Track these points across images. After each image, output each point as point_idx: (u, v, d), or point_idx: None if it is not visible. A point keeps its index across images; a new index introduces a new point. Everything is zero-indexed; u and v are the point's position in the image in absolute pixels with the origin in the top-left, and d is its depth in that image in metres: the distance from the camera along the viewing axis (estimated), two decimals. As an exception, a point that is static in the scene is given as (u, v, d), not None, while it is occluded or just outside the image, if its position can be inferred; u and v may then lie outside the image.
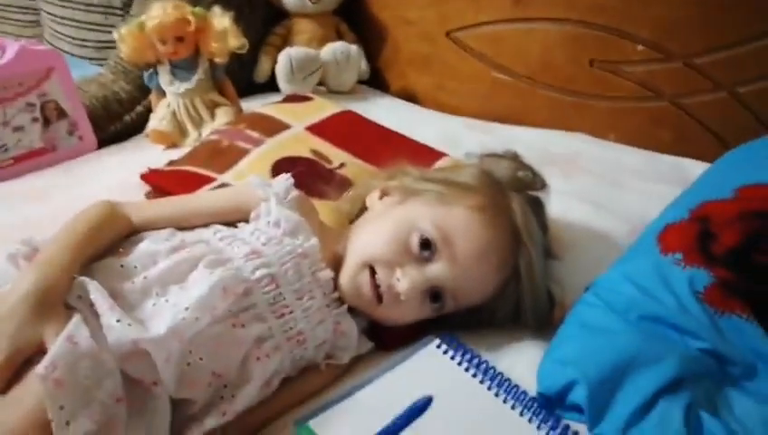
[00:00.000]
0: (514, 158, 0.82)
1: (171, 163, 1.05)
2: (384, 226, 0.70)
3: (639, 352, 0.62)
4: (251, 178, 0.75)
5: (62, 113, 1.10)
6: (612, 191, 1.06)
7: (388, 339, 0.73)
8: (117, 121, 1.24)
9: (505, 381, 0.65)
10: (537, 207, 0.79)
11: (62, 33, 1.50)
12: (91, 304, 0.58)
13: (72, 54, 1.45)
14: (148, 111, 1.24)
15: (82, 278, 0.59)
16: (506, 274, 0.71)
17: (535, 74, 1.30)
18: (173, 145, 1.16)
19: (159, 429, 0.55)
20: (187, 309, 0.57)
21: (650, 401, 0.59)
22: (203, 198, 0.74)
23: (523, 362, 0.69)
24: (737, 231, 0.70)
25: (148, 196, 0.99)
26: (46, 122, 1.08)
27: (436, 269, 0.68)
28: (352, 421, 0.61)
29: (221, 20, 1.15)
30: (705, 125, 1.14)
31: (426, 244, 0.68)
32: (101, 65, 1.41)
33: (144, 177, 1.01)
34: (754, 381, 0.63)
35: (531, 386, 0.66)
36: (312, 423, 0.60)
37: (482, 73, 1.36)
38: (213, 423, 0.57)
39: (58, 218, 0.92)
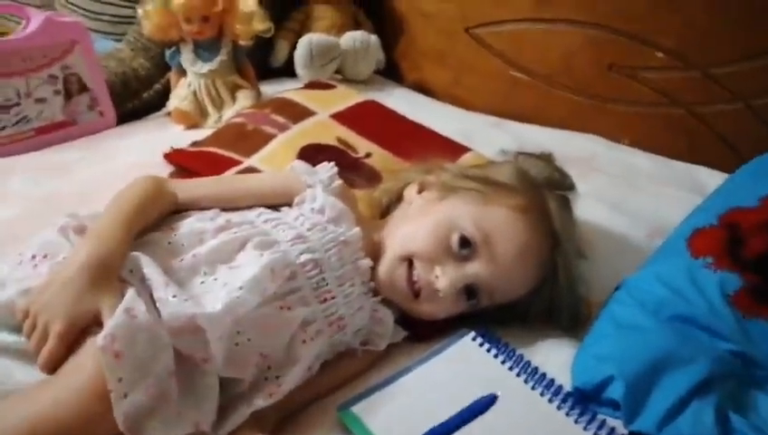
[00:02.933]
0: (549, 159, 0.83)
1: (195, 144, 1.04)
2: (425, 222, 0.71)
3: (673, 351, 0.64)
4: (295, 164, 0.75)
5: (83, 87, 1.09)
6: (628, 193, 1.08)
7: (421, 330, 0.74)
8: (135, 98, 1.23)
9: (541, 374, 0.67)
10: (567, 206, 0.80)
11: (76, 5, 1.47)
12: (143, 279, 0.58)
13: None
14: (166, 89, 1.23)
15: (135, 253, 0.59)
16: (543, 273, 0.72)
17: (554, 75, 1.31)
18: (194, 125, 1.16)
19: (209, 405, 0.56)
20: (240, 288, 0.58)
21: (685, 399, 0.61)
22: (249, 181, 0.74)
23: (554, 358, 0.71)
24: (766, 238, 0.72)
25: (172, 176, 0.98)
26: (68, 96, 1.07)
27: (475, 268, 0.69)
28: (394, 407, 0.62)
29: (247, 2, 1.14)
30: (719, 135, 1.16)
31: (465, 242, 0.69)
32: (117, 40, 1.39)
33: (168, 156, 1.00)
34: (778, 384, 0.66)
35: (562, 382, 0.68)
36: (356, 409, 0.62)
37: (500, 71, 1.37)
38: (261, 404, 0.58)
39: (83, 194, 0.92)
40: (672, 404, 0.60)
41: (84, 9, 1.45)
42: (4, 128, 1.00)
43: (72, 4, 1.49)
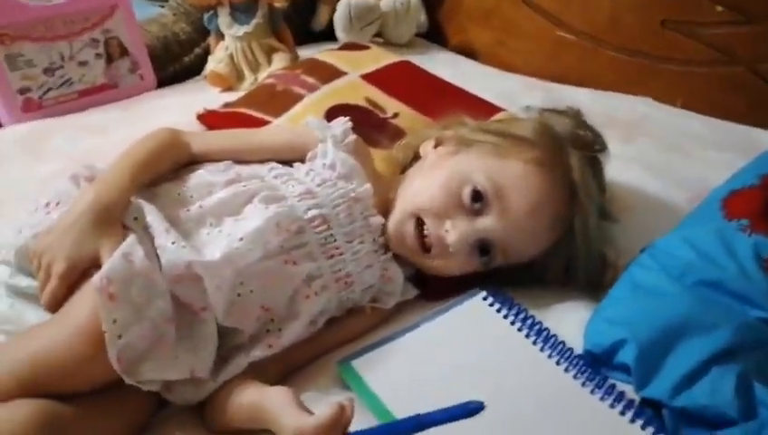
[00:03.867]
0: (576, 115, 0.79)
1: (227, 105, 1.05)
2: (436, 176, 0.69)
3: (694, 316, 0.60)
4: (309, 120, 0.75)
5: (124, 51, 1.12)
6: (675, 158, 1.02)
7: (434, 290, 0.72)
8: (176, 62, 1.25)
9: (552, 336, 0.64)
10: (596, 166, 0.76)
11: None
12: (146, 227, 0.59)
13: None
14: (206, 53, 1.25)
15: (140, 201, 0.61)
16: (560, 231, 0.69)
17: (602, 34, 1.24)
18: (229, 88, 1.17)
19: (205, 353, 0.57)
20: (241, 239, 0.58)
21: (702, 367, 0.57)
22: (263, 135, 0.75)
23: (569, 320, 0.68)
24: (812, 201, 0.66)
25: (204, 136, 1.00)
26: (109, 59, 1.10)
27: (487, 222, 0.67)
28: (395, 364, 0.61)
29: (282, -37, 1.14)
30: (783, 94, 1.08)
31: (477, 196, 0.67)
32: (162, 6, 1.42)
33: (200, 117, 1.02)
34: (815, 356, 0.61)
35: (576, 345, 0.65)
36: (355, 363, 0.61)
37: (545, 31, 1.31)
38: (259, 354, 0.59)
39: (116, 151, 0.95)
40: (688, 370, 0.57)
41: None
42: (49, 90, 1.05)
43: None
